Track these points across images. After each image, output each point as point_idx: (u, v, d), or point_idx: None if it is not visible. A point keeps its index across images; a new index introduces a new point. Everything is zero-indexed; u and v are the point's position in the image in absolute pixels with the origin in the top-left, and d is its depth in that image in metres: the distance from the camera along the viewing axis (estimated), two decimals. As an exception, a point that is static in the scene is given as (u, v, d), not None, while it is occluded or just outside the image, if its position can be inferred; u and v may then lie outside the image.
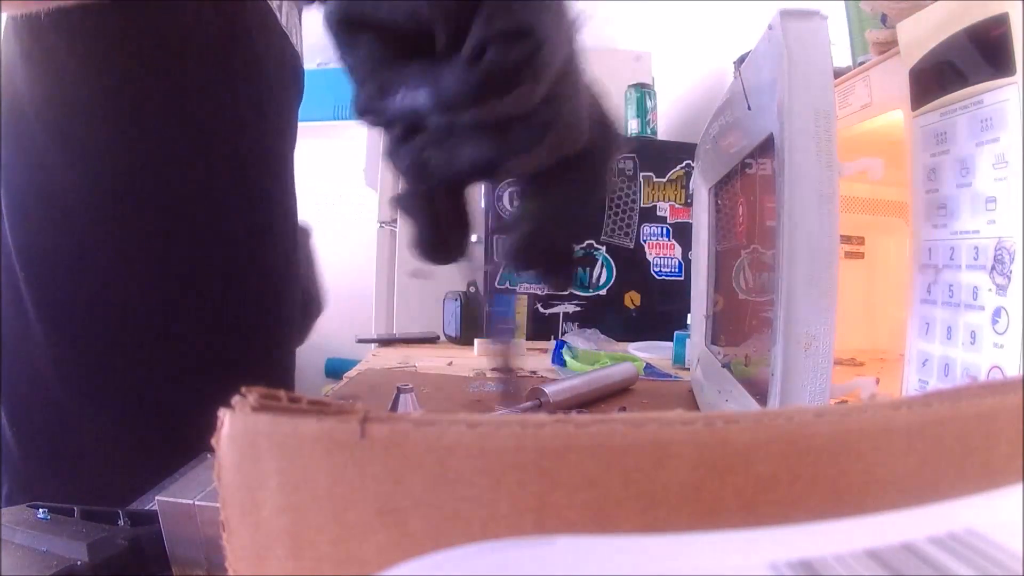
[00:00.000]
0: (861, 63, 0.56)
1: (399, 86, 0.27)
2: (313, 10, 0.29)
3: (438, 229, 0.33)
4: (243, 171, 0.60)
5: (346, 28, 0.27)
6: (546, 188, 0.32)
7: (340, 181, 2.16)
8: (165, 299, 0.55)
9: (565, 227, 0.33)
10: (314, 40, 0.74)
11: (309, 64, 0.71)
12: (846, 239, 0.72)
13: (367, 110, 0.29)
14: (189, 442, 0.32)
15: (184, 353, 0.56)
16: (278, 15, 0.62)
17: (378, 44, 0.27)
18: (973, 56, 0.37)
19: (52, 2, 0.43)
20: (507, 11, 0.25)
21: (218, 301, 0.59)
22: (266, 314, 0.66)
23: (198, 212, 0.56)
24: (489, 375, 0.80)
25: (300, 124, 0.73)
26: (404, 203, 0.32)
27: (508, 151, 0.28)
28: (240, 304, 0.61)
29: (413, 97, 0.27)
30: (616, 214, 1.33)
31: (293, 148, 0.72)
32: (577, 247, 0.34)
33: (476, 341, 1.03)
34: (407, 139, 0.29)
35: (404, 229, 1.54)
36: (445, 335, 1.16)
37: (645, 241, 1.34)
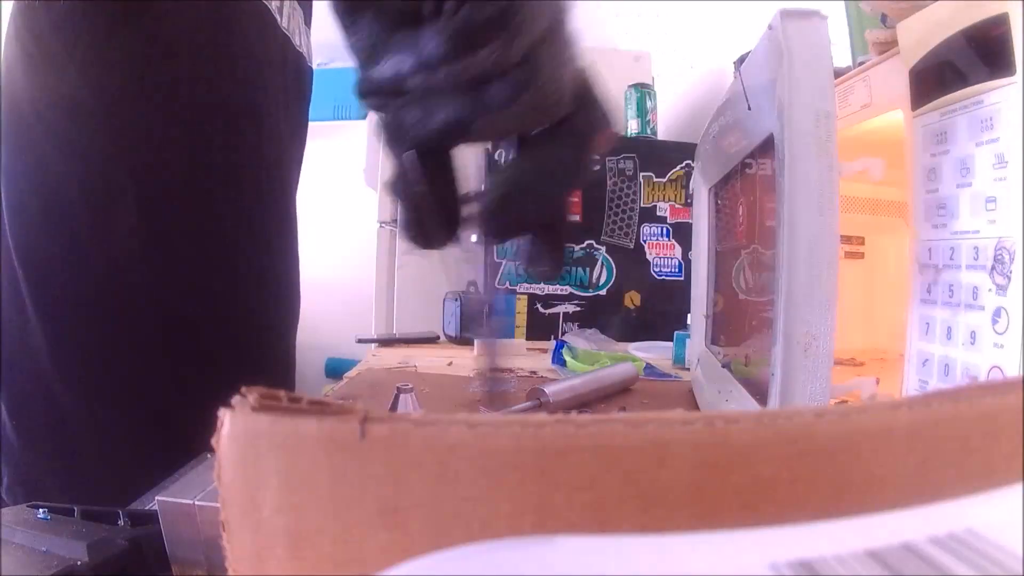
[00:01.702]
0: (861, 63, 0.56)
1: (386, 54, 0.28)
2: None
3: (423, 210, 0.32)
4: (241, 171, 0.60)
5: (347, 9, 0.28)
6: (521, 157, 0.32)
7: (340, 181, 2.16)
8: (163, 298, 0.55)
9: (539, 198, 0.32)
10: (315, 41, 0.74)
11: (312, 63, 0.71)
12: (846, 239, 0.72)
13: (364, 88, 0.29)
14: (189, 442, 0.33)
15: (183, 352, 0.56)
16: (278, 17, 0.62)
17: (376, 21, 0.28)
18: (973, 56, 0.37)
19: None
20: None
21: (217, 300, 0.59)
22: (266, 313, 0.66)
23: (196, 212, 0.57)
24: (475, 376, 0.80)
25: (301, 124, 0.73)
26: (394, 186, 0.32)
27: (481, 108, 0.28)
28: (239, 303, 0.61)
29: (397, 63, 0.28)
30: (616, 214, 1.33)
31: (300, 148, 0.72)
32: (557, 221, 0.34)
33: (476, 341, 1.03)
34: (387, 104, 0.29)
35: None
36: (445, 335, 1.16)
37: (645, 241, 1.34)
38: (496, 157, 0.36)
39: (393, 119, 0.29)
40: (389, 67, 0.28)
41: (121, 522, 0.31)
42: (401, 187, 0.32)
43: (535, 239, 0.35)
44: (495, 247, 0.36)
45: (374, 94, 0.29)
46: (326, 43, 0.29)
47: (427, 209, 0.32)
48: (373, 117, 2.13)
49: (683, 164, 1.32)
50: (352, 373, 0.83)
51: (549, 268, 0.36)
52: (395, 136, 0.30)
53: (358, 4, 0.28)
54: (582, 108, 0.32)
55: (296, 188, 0.72)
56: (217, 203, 0.58)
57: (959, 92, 0.38)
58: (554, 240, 0.35)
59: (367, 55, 0.29)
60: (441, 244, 0.34)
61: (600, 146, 0.34)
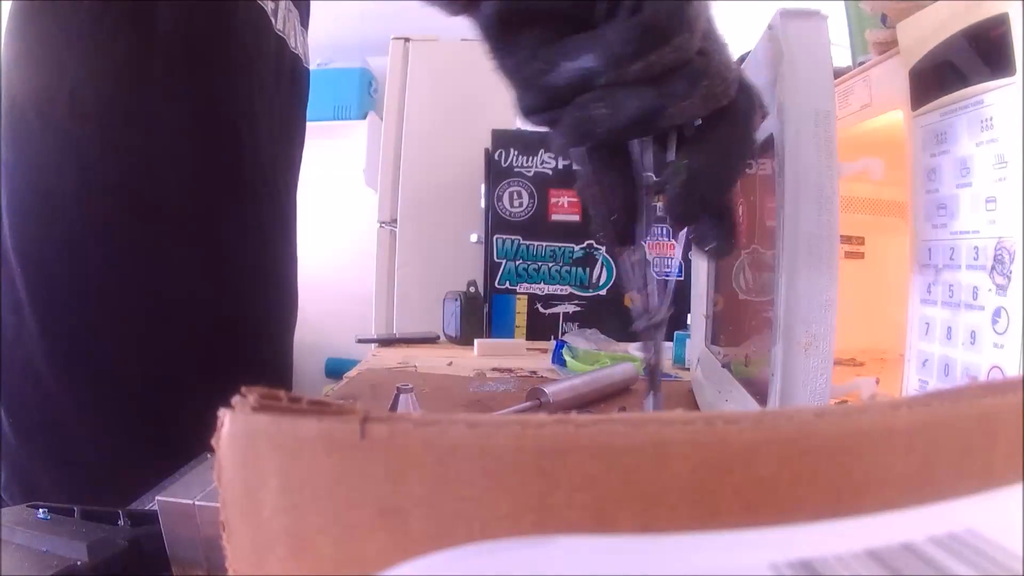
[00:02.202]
0: (861, 63, 0.56)
1: (565, 59, 0.29)
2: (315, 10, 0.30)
3: (616, 209, 0.35)
4: (238, 172, 0.60)
5: (507, 31, 0.29)
6: (699, 141, 0.33)
7: (340, 181, 2.16)
8: (160, 299, 0.55)
9: (718, 179, 0.34)
10: (315, 41, 0.74)
11: (309, 64, 0.71)
12: (846, 239, 0.72)
13: (541, 98, 0.30)
14: (187, 442, 0.33)
15: (180, 352, 0.56)
16: (273, 19, 0.62)
17: (543, 32, 0.29)
18: (973, 56, 0.37)
19: None
20: None
21: (215, 300, 0.59)
22: (265, 312, 0.66)
23: (193, 212, 0.57)
24: (489, 375, 0.80)
25: (300, 124, 0.73)
26: (581, 187, 0.35)
27: (669, 99, 0.29)
28: (237, 303, 0.61)
29: (579, 63, 0.29)
30: (616, 214, 1.33)
31: (299, 147, 0.72)
32: (728, 201, 0.36)
33: (476, 341, 1.03)
34: (569, 108, 0.30)
35: (405, 229, 1.54)
36: (445, 335, 1.16)
37: (645, 241, 1.34)
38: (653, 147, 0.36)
39: (580, 117, 0.30)
40: (574, 68, 0.29)
41: (121, 522, 0.31)
42: (594, 189, 0.34)
43: (710, 220, 0.36)
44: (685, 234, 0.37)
45: (552, 101, 0.30)
46: (326, 43, 0.29)
47: (618, 206, 0.35)
48: (373, 118, 2.13)
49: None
50: (352, 373, 0.83)
51: (722, 246, 0.36)
52: (583, 133, 0.31)
53: (516, 21, 0.29)
54: (740, 90, 0.33)
55: (295, 189, 0.72)
56: (214, 203, 0.58)
57: (959, 92, 0.38)
58: (729, 218, 0.36)
59: (535, 68, 0.30)
60: (631, 241, 0.36)
61: (757, 125, 0.35)
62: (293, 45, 0.66)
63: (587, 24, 0.29)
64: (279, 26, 0.63)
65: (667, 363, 0.93)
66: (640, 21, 0.28)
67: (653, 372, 0.40)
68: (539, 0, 0.29)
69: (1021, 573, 0.10)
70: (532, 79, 0.30)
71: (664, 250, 1.35)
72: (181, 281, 0.56)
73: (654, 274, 0.41)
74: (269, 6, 0.61)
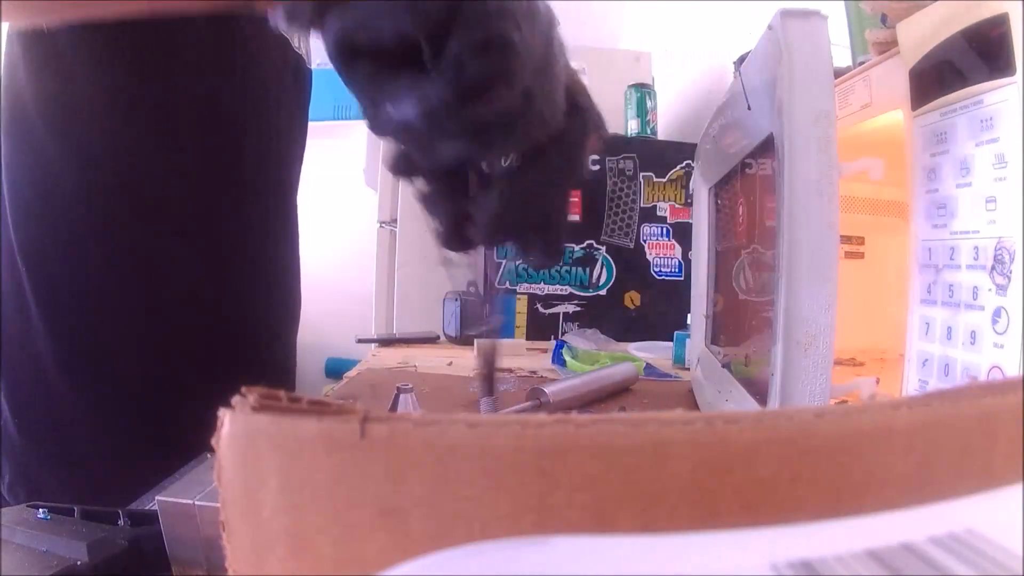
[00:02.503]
0: (861, 63, 0.56)
1: (388, 100, 0.30)
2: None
3: (441, 222, 0.36)
4: (241, 172, 0.60)
5: (344, 56, 0.30)
6: (518, 168, 0.34)
7: (340, 181, 2.16)
8: (164, 299, 0.55)
9: (532, 206, 0.35)
10: (315, 41, 0.74)
11: (311, 65, 0.71)
12: (846, 239, 0.72)
13: (373, 128, 0.31)
14: (189, 442, 0.33)
15: (184, 352, 0.56)
16: None
17: (372, 65, 0.30)
18: (973, 56, 0.37)
19: (53, 17, 0.44)
20: (482, 23, 0.28)
21: (218, 299, 0.59)
22: (266, 312, 0.66)
23: (196, 212, 0.57)
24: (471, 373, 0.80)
25: (301, 124, 0.73)
26: (423, 199, 0.36)
27: (483, 148, 0.31)
28: (240, 302, 0.61)
29: (399, 109, 0.29)
30: (616, 214, 1.33)
31: (300, 146, 0.72)
32: (556, 221, 0.38)
33: (476, 341, 1.03)
34: (399, 140, 0.32)
35: (405, 229, 1.54)
36: (445, 335, 1.16)
37: (645, 241, 1.34)
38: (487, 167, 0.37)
39: (400, 155, 0.33)
40: (394, 113, 0.30)
41: (121, 522, 0.31)
42: (425, 204, 0.36)
43: (531, 238, 0.37)
44: (495, 250, 0.39)
45: (382, 133, 0.31)
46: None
47: (445, 220, 0.36)
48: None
49: (683, 164, 1.32)
50: (352, 373, 0.83)
51: (545, 260, 0.38)
52: (406, 167, 0.34)
53: (351, 49, 0.29)
54: (573, 115, 0.34)
55: (297, 189, 0.72)
56: (216, 203, 0.58)
57: (959, 92, 0.38)
58: (550, 237, 0.38)
59: (368, 100, 0.31)
60: (463, 249, 0.37)
61: (592, 148, 0.37)
62: (297, 45, 0.66)
63: (417, 61, 0.29)
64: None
65: (667, 363, 0.93)
66: (459, 80, 0.28)
67: (488, 378, 0.42)
68: (369, 36, 0.29)
69: (1021, 573, 0.10)
70: (365, 108, 0.31)
71: (664, 250, 1.35)
72: (183, 281, 0.56)
73: (489, 281, 0.45)
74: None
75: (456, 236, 0.36)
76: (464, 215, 0.35)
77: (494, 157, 0.32)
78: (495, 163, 0.34)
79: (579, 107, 0.35)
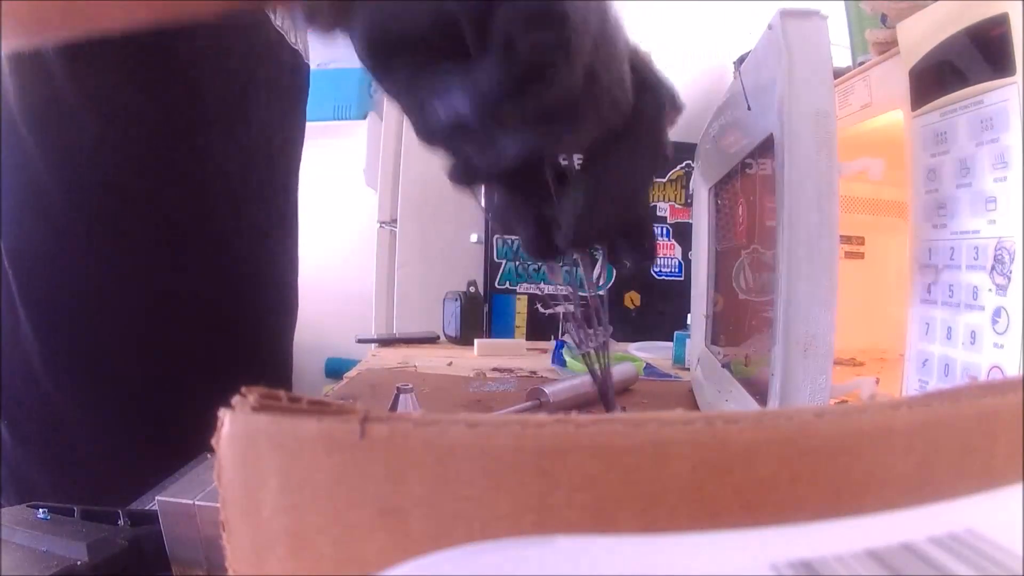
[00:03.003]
0: (861, 63, 0.56)
1: (435, 97, 0.26)
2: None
3: (525, 229, 0.32)
4: (235, 170, 0.60)
5: (378, 54, 0.26)
6: (596, 161, 0.30)
7: (340, 181, 2.16)
8: (157, 297, 0.55)
9: (622, 197, 0.31)
10: (315, 41, 0.74)
11: (310, 64, 0.71)
12: (846, 239, 0.72)
13: (423, 136, 0.28)
14: (182, 441, 0.33)
15: (176, 352, 0.56)
16: (272, 15, 0.62)
17: (411, 60, 0.26)
18: (973, 56, 0.37)
19: (53, 36, 0.43)
20: None
21: (211, 298, 0.59)
22: (262, 311, 0.66)
23: (190, 211, 0.57)
24: (489, 375, 0.80)
25: (300, 124, 0.73)
26: (497, 216, 0.32)
27: (552, 138, 0.27)
28: (235, 301, 0.61)
29: (448, 104, 0.26)
30: (616, 214, 1.32)
31: (298, 146, 0.72)
32: (643, 213, 0.33)
33: (476, 341, 1.03)
34: (455, 145, 0.28)
35: (405, 229, 1.54)
36: (445, 335, 1.16)
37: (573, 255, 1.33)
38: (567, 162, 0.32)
39: (462, 161, 0.28)
40: (444, 110, 0.26)
41: (121, 522, 0.31)
42: (498, 217, 0.32)
43: (620, 238, 0.34)
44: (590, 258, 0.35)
45: (432, 138, 0.28)
46: (327, 43, 0.28)
47: (526, 230, 0.32)
48: (373, 118, 2.13)
49: (683, 164, 1.32)
50: (352, 373, 0.83)
51: (636, 261, 0.35)
52: (467, 175, 0.29)
53: (385, 47, 0.26)
54: (644, 93, 0.30)
55: (295, 186, 0.72)
56: (211, 202, 0.58)
57: (959, 92, 0.38)
58: (639, 234, 0.34)
59: (413, 101, 0.27)
60: (551, 257, 0.34)
61: (669, 124, 0.33)
62: (293, 41, 0.66)
63: (460, 51, 0.25)
64: (278, 22, 0.63)
65: (667, 363, 0.93)
66: (512, 61, 0.24)
67: (606, 396, 0.38)
68: (404, 25, 0.25)
69: (1021, 573, 0.10)
70: (410, 112, 0.27)
71: (664, 250, 1.35)
72: (175, 280, 0.56)
73: (590, 286, 0.39)
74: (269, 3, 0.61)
75: (542, 244, 0.32)
76: (546, 220, 0.31)
77: (563, 148, 0.28)
78: (569, 158, 0.29)
79: (648, 83, 0.31)
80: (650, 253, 0.35)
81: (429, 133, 0.27)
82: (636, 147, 0.30)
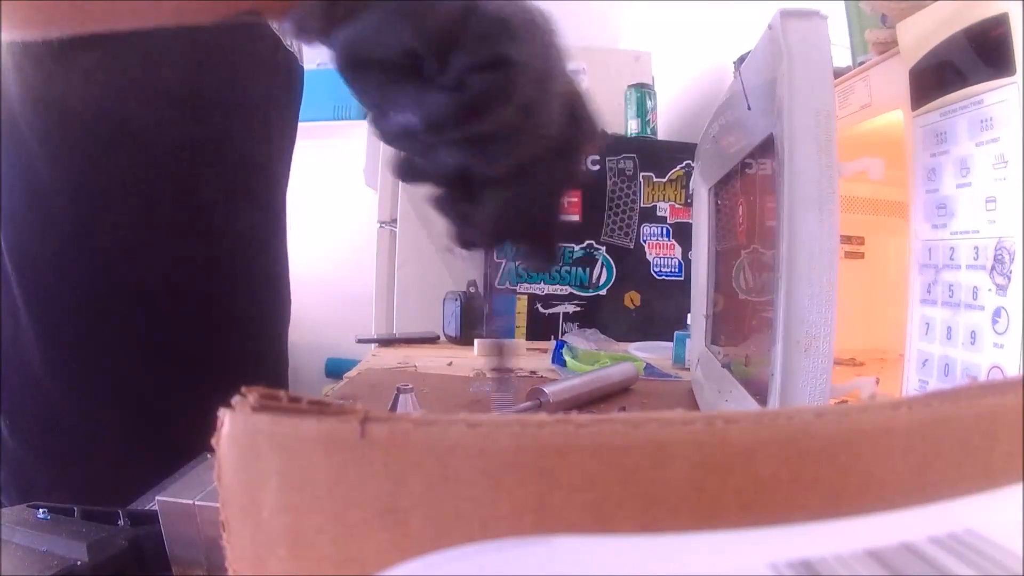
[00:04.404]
0: (861, 63, 0.56)
1: (393, 109, 0.31)
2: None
3: (452, 222, 0.37)
4: (229, 171, 0.60)
5: (350, 66, 0.31)
6: (517, 175, 0.35)
7: (340, 181, 2.16)
8: (151, 298, 0.55)
9: (532, 208, 0.36)
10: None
11: (309, 64, 0.71)
12: (846, 239, 0.72)
13: (378, 135, 0.33)
14: (178, 440, 0.33)
15: (171, 351, 0.56)
16: None
17: (379, 76, 0.31)
18: (973, 56, 0.37)
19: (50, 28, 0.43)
20: (484, 43, 0.29)
21: (206, 298, 0.59)
22: (255, 310, 0.67)
23: (184, 211, 0.57)
24: (488, 374, 0.80)
25: (300, 124, 0.73)
26: (433, 200, 0.37)
27: (483, 157, 0.32)
28: (228, 300, 0.61)
29: (403, 118, 0.31)
30: (616, 214, 1.33)
31: (290, 147, 0.72)
32: (551, 226, 0.40)
33: (476, 341, 1.03)
34: (403, 147, 0.34)
35: (405, 229, 1.54)
36: (445, 335, 1.16)
37: (645, 241, 1.34)
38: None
39: (405, 162, 0.35)
40: (398, 122, 0.31)
41: (121, 522, 0.31)
42: (433, 204, 0.37)
43: (528, 241, 0.38)
44: (494, 252, 0.40)
45: (388, 140, 0.33)
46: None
47: (450, 221, 0.37)
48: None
49: (683, 164, 1.32)
50: (352, 373, 0.83)
51: (540, 263, 0.39)
52: (410, 171, 0.35)
53: (359, 65, 0.31)
54: (571, 124, 0.35)
55: (286, 187, 0.72)
56: (205, 202, 0.58)
57: (959, 92, 0.38)
58: (546, 240, 0.39)
59: (374, 108, 0.32)
60: (467, 248, 0.38)
61: (589, 153, 0.38)
62: (289, 44, 0.66)
63: (421, 73, 0.30)
64: (275, 24, 0.63)
65: (667, 363, 0.93)
66: (460, 95, 0.29)
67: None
68: (374, 48, 0.30)
69: (1021, 573, 0.10)
70: (372, 116, 0.33)
71: (664, 250, 1.35)
72: (171, 280, 0.56)
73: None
74: None
75: (461, 236, 0.37)
76: (467, 217, 0.36)
77: (493, 166, 0.33)
78: (496, 169, 0.34)
79: (576, 116, 0.35)
80: (550, 258, 0.40)
81: (384, 136, 0.33)
82: (553, 169, 0.35)
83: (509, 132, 0.31)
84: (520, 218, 0.35)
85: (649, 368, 0.84)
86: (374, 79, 0.31)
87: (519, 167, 0.34)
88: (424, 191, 0.36)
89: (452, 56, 0.29)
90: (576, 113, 0.35)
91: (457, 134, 0.31)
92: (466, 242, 0.37)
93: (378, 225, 1.64)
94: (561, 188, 0.37)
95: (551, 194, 0.37)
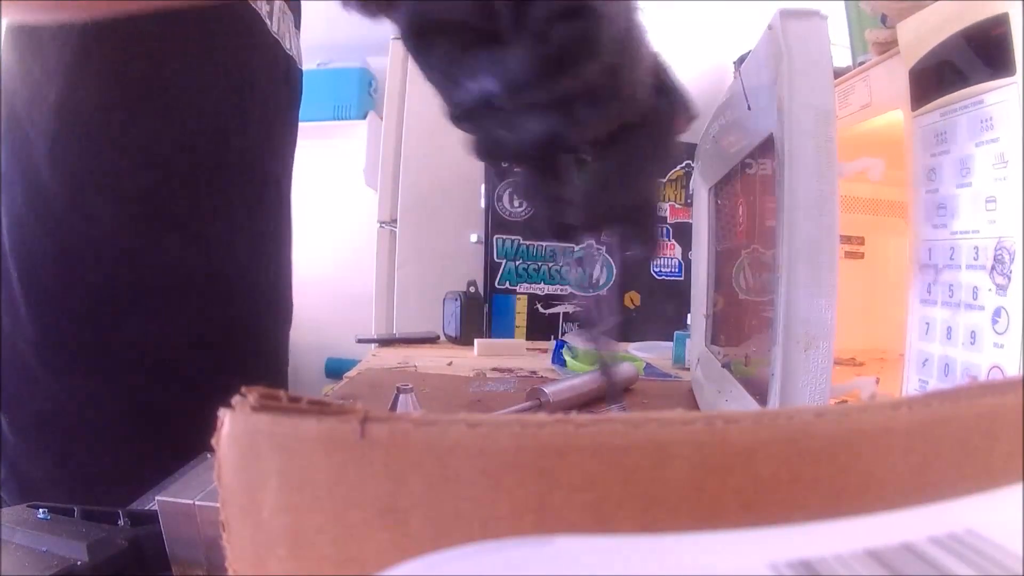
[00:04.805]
0: (861, 63, 0.56)
1: (468, 76, 0.29)
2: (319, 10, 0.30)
3: (541, 211, 0.34)
4: (230, 174, 0.60)
5: (419, 36, 0.29)
6: (611, 151, 0.33)
7: (340, 181, 2.16)
8: (152, 298, 0.55)
9: (631, 186, 0.34)
10: (315, 41, 0.74)
11: (309, 64, 0.71)
12: (846, 239, 0.72)
13: (454, 113, 0.30)
14: (178, 439, 0.33)
15: (172, 350, 0.56)
16: (268, 22, 0.62)
17: (450, 42, 0.29)
18: (973, 56, 0.37)
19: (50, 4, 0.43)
20: None
21: (207, 297, 0.59)
22: (256, 310, 0.67)
23: (185, 213, 0.57)
24: (489, 375, 0.80)
25: (300, 124, 0.73)
26: (519, 188, 0.34)
27: (572, 125, 0.29)
28: (232, 303, 0.61)
29: (480, 84, 0.28)
30: (616, 214, 1.32)
31: (291, 150, 0.72)
32: (649, 206, 0.37)
33: (476, 341, 1.03)
34: (479, 124, 0.30)
35: (405, 229, 1.54)
36: (445, 335, 1.16)
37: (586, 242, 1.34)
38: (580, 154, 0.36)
39: (487, 137, 0.31)
40: (476, 90, 0.29)
41: (121, 522, 0.31)
42: (520, 193, 0.34)
43: (625, 227, 0.36)
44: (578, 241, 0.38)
45: (463, 116, 0.30)
46: (326, 43, 0.30)
47: (540, 208, 0.34)
48: (373, 118, 2.14)
49: (683, 164, 1.32)
50: (352, 373, 0.83)
51: (643, 248, 0.37)
52: (492, 152, 0.31)
53: (429, 32, 0.29)
54: (659, 95, 0.33)
55: (288, 189, 0.72)
56: (206, 203, 0.58)
57: (959, 92, 0.38)
58: (644, 224, 0.36)
59: (447, 79, 0.30)
60: (561, 238, 0.36)
61: (680, 129, 0.35)
62: (288, 47, 0.66)
63: (494, 38, 0.28)
64: (274, 28, 0.63)
65: (667, 363, 0.93)
66: (542, 49, 0.27)
67: (612, 386, 0.39)
68: (445, 11, 0.28)
69: (1021, 573, 0.10)
70: (444, 92, 0.30)
71: (664, 250, 1.35)
72: (171, 278, 0.56)
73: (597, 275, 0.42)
74: (263, 9, 0.61)
75: (552, 224, 0.34)
76: (559, 200, 0.33)
77: (582, 134, 0.30)
78: (586, 148, 0.32)
79: (666, 87, 0.33)
80: (652, 244, 0.37)
81: (459, 110, 0.30)
82: (648, 144, 0.33)
83: (596, 91, 0.29)
84: (620, 193, 0.33)
85: (649, 368, 0.84)
86: (445, 46, 0.29)
87: (612, 136, 0.32)
88: (424, 191, 0.35)
89: (530, 6, 0.27)
90: (665, 84, 0.33)
91: (542, 94, 0.28)
92: (561, 229, 0.34)
93: (378, 225, 1.64)
94: (657, 162, 0.34)
95: (649, 168, 0.34)
